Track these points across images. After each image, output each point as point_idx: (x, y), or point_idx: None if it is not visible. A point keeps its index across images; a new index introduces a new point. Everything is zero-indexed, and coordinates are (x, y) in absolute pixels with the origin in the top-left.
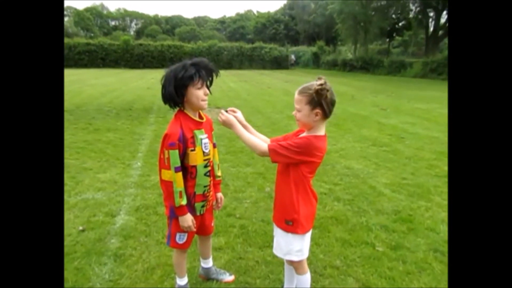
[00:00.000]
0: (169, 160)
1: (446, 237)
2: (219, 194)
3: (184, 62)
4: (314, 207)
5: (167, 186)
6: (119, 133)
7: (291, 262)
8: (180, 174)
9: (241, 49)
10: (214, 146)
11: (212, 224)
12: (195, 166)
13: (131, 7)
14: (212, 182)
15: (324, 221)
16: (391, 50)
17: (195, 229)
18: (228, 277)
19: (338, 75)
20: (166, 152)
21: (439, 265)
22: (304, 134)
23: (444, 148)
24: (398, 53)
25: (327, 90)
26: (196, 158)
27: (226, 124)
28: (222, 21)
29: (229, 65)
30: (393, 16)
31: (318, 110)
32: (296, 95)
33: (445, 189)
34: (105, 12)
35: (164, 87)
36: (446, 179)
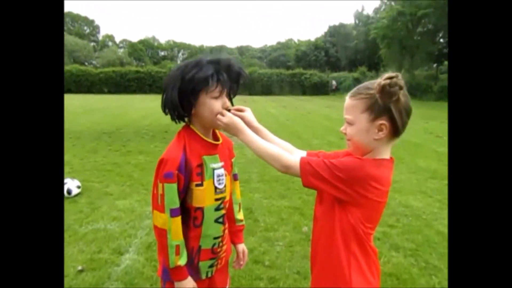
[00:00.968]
0: (163, 198)
1: None
2: (241, 247)
3: (199, 58)
4: (376, 276)
5: (160, 235)
6: (150, 156)
7: None
8: (178, 219)
9: (280, 75)
10: (235, 178)
11: None
12: (201, 209)
13: (179, 38)
14: (227, 230)
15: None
16: (439, 76)
17: None
18: None
19: None
20: (160, 186)
21: None
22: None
23: None
24: (446, 79)
25: (400, 88)
26: (203, 197)
27: (230, 129)
28: (263, 50)
29: (268, 91)
30: (441, 40)
31: (383, 122)
32: (348, 100)
33: None
34: (155, 43)
35: (165, 90)
36: None
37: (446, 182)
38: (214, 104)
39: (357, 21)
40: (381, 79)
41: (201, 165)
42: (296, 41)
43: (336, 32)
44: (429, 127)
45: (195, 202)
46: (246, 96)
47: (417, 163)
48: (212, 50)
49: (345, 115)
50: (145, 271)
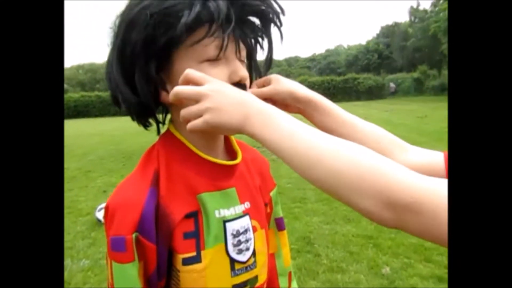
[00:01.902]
0: (112, 282)
1: None
2: None
3: None
4: None
5: None
6: None
7: None
8: None
9: (331, 82)
10: (280, 227)
11: None
12: None
13: None
14: None
15: None
16: None
17: None
18: None
19: None
20: (108, 261)
21: None
22: None
23: None
24: None
25: None
26: (205, 286)
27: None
28: (312, 59)
29: None
30: None
31: None
32: None
33: None
34: None
35: (107, 68)
36: None
37: None
38: (210, 74)
39: (412, 18)
40: None
41: (194, 215)
42: (345, 46)
43: (389, 33)
44: None
45: None
46: None
47: None
48: (260, 63)
49: None
50: None
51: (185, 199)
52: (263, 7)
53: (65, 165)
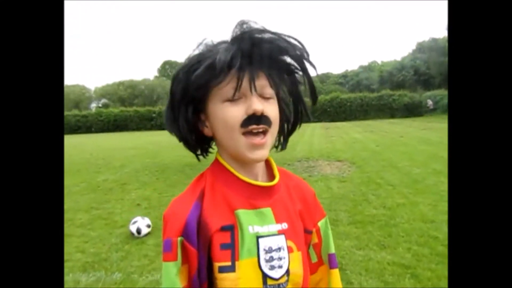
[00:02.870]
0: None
1: None
2: None
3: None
4: None
5: None
6: None
7: None
8: None
9: (365, 98)
10: (332, 265)
11: None
12: None
13: None
14: None
15: None
16: None
17: None
18: None
19: None
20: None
21: None
22: None
23: None
24: None
25: None
26: None
27: None
28: (344, 75)
29: (352, 116)
30: None
31: None
32: None
33: None
34: None
35: (165, 112)
36: None
37: None
38: (229, 111)
39: None
40: None
41: (231, 229)
42: (379, 62)
43: (426, 48)
44: None
45: None
46: (328, 122)
47: None
48: None
49: None
50: None
51: (224, 214)
52: (272, 47)
53: (104, 177)
